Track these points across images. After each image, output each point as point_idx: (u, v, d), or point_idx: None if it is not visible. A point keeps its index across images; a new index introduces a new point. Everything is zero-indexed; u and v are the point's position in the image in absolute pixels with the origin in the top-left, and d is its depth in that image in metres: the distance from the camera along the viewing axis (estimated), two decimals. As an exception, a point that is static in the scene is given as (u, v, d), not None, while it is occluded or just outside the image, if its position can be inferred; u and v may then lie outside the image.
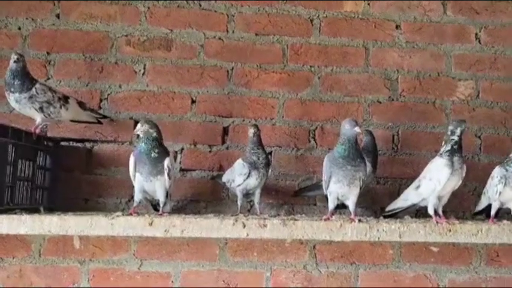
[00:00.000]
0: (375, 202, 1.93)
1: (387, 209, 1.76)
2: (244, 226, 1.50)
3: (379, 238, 1.55)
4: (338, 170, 1.55)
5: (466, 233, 1.59)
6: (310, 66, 1.99)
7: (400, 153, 1.99)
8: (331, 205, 1.61)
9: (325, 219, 1.56)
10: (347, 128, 1.54)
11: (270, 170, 1.73)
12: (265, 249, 1.86)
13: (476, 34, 2.09)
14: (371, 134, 1.82)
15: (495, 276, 1.95)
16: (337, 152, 1.56)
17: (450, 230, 1.59)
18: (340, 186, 1.57)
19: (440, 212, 1.65)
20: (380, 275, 1.90)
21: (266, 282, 1.86)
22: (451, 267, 1.93)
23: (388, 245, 1.91)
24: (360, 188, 1.60)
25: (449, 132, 1.61)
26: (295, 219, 1.56)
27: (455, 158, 1.58)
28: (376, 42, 2.03)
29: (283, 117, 1.96)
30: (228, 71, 1.96)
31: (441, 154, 1.61)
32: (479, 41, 2.08)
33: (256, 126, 1.70)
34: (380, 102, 2.01)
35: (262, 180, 1.71)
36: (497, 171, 1.64)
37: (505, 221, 1.64)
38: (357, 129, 1.53)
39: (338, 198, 1.61)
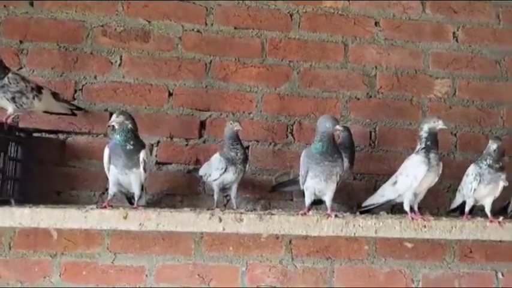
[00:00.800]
0: (351, 198, 1.93)
1: (363, 204, 1.78)
2: (221, 220, 1.50)
3: (355, 234, 1.57)
4: (315, 165, 1.55)
5: (441, 229, 1.62)
6: (289, 61, 1.98)
7: (377, 150, 2.00)
8: (308, 200, 1.61)
9: (302, 214, 1.56)
10: (327, 126, 1.53)
11: (247, 165, 1.72)
12: (241, 243, 1.85)
13: (454, 33, 2.11)
14: (348, 130, 1.82)
15: (468, 272, 1.98)
16: (315, 147, 1.56)
17: (425, 226, 1.61)
18: (317, 181, 1.57)
19: (415, 208, 1.66)
20: (355, 270, 1.91)
21: (241, 277, 1.85)
22: (425, 263, 1.95)
23: (363, 240, 1.92)
24: (337, 184, 1.60)
25: (426, 129, 1.62)
26: (272, 214, 1.56)
27: (432, 155, 1.60)
28: (355, 39, 2.04)
29: (261, 111, 1.95)
30: (206, 64, 1.94)
31: (417, 151, 1.62)
32: (457, 40, 2.11)
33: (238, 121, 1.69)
34: (358, 99, 2.01)
35: (239, 176, 1.70)
36: (472, 169, 1.66)
37: (478, 218, 1.67)
38: (338, 127, 1.53)
39: (315, 194, 1.61)
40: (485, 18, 2.14)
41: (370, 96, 2.02)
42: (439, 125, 1.60)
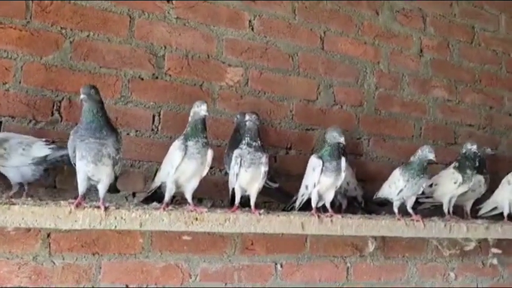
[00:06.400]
0: (126, 187, 1.77)
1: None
2: None
3: (116, 226, 1.44)
4: (80, 142, 1.38)
5: (214, 222, 1.58)
6: (61, 28, 1.73)
7: (160, 136, 1.86)
8: (81, 188, 1.42)
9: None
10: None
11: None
12: (-18, 238, 1.55)
13: (250, 21, 2.07)
14: None
15: (248, 264, 1.95)
16: (80, 122, 1.40)
17: (197, 219, 1.56)
18: (85, 163, 1.38)
19: (189, 199, 1.57)
20: (126, 265, 1.74)
21: (-20, 278, 1.55)
22: (205, 256, 1.87)
23: (137, 233, 1.75)
24: (113, 167, 1.43)
25: (191, 113, 1.53)
26: (12, 204, 1.34)
27: (191, 143, 1.49)
28: (143, 13, 1.86)
29: (20, 83, 1.65)
30: None
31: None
32: (252, 29, 2.07)
33: None
34: (142, 79, 1.84)
35: (-23, 155, 1.41)
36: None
37: (257, 211, 1.64)
38: (83, 96, 1.39)
39: (89, 179, 1.42)
40: (281, 11, 2.14)
41: (157, 77, 1.87)
42: (202, 110, 1.50)
